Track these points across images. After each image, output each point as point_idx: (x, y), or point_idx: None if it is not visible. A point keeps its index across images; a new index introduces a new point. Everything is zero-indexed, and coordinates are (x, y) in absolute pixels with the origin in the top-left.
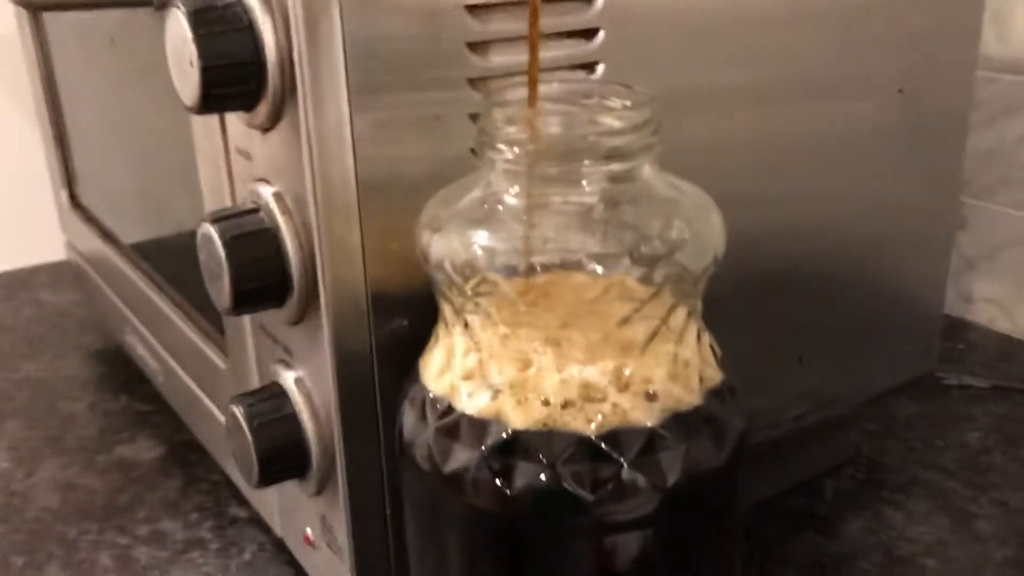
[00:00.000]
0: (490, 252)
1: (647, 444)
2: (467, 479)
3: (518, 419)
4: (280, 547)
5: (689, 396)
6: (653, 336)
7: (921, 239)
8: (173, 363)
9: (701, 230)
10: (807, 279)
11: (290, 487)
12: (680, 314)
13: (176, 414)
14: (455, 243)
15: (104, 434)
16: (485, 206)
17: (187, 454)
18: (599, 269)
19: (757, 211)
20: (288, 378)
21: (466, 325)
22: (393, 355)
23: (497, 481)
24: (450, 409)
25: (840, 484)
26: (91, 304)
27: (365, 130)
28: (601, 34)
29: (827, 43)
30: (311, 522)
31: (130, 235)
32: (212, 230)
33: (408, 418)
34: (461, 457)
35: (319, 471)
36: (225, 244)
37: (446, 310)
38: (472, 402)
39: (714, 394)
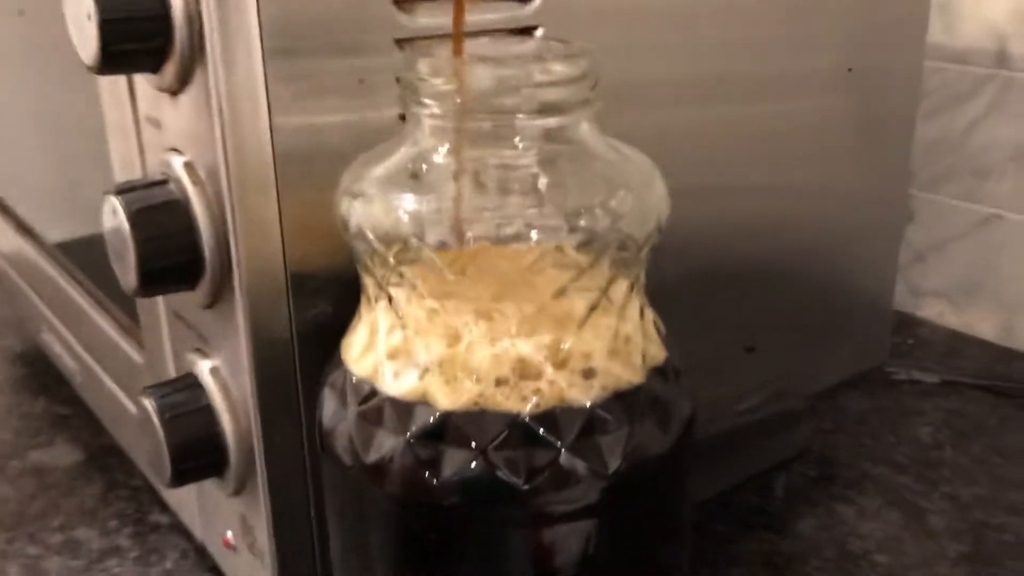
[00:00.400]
0: (416, 217)
1: (586, 426)
2: (391, 469)
3: (447, 400)
4: (203, 554)
5: (631, 374)
6: (592, 309)
7: (870, 231)
8: (90, 360)
9: (644, 194)
10: (755, 269)
11: (210, 488)
12: (621, 286)
13: (96, 417)
14: (377, 209)
15: (19, 438)
16: (411, 167)
17: (107, 458)
18: (534, 236)
19: (704, 203)
20: (204, 368)
21: (390, 300)
22: (316, 342)
23: (423, 470)
24: (373, 392)
25: (791, 481)
26: (9, 304)
27: (281, 95)
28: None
29: (774, 25)
30: (231, 524)
31: (45, 225)
32: (116, 202)
33: (328, 406)
34: (384, 445)
35: (237, 468)
36: (130, 217)
37: (368, 284)
38: (397, 383)
39: (658, 373)
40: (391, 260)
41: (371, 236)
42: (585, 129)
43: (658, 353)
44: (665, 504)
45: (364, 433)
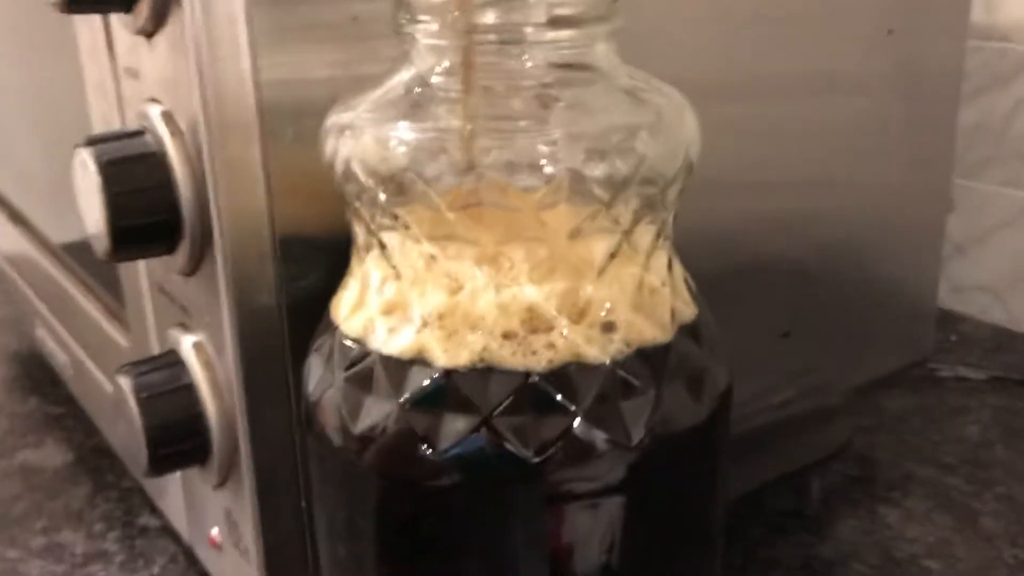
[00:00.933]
0: (412, 148)
1: (605, 389)
2: (382, 441)
3: (446, 357)
4: (193, 559)
5: (657, 332)
6: (613, 255)
7: (912, 222)
8: (79, 350)
9: (672, 126)
10: (792, 265)
11: (196, 481)
12: (647, 232)
13: (88, 416)
14: (368, 141)
15: (7, 438)
16: (405, 94)
17: (98, 460)
18: (547, 167)
19: (742, 198)
20: (186, 344)
21: (382, 247)
22: (308, 314)
23: (418, 440)
24: (363, 354)
25: (829, 481)
26: (8, 303)
27: (266, 34)
28: None
29: (814, 22)
30: (217, 520)
31: (35, 209)
32: (86, 154)
33: (314, 373)
34: (374, 412)
35: (221, 455)
36: (101, 169)
37: (359, 232)
38: (390, 341)
39: (689, 333)
40: (382, 199)
41: (360, 172)
42: (602, 51)
43: (689, 312)
44: (696, 489)
45: (353, 400)
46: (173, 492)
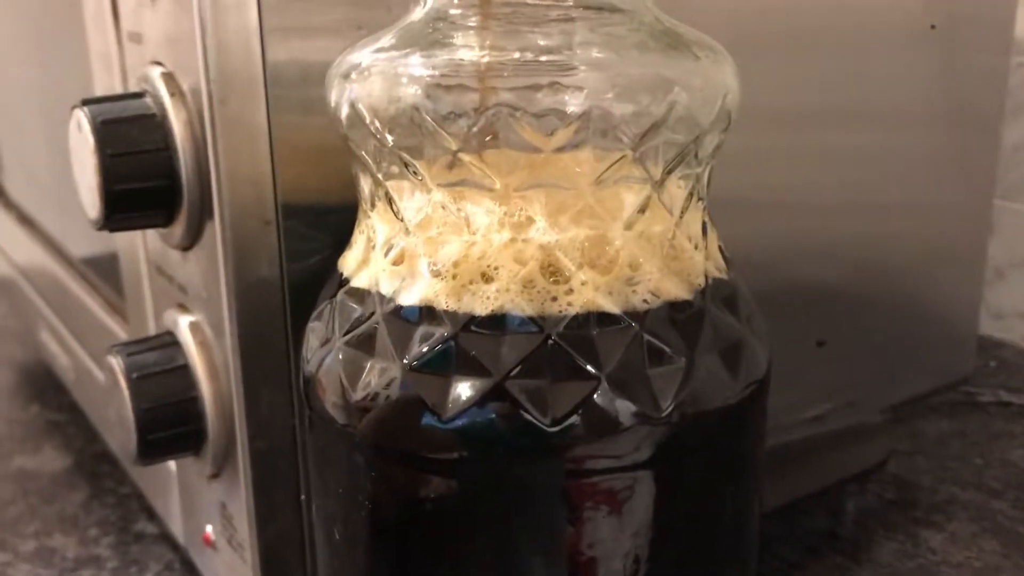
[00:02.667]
0: (424, 84)
1: (631, 352)
2: (383, 407)
3: (457, 311)
4: (190, 567)
5: (689, 294)
6: (643, 210)
7: (952, 245)
8: (80, 350)
9: (708, 71)
10: (831, 289)
11: (190, 474)
12: (679, 189)
13: (89, 422)
14: (376, 83)
15: (4, 443)
16: (419, 32)
17: (97, 465)
18: (572, 104)
19: (784, 221)
20: (183, 324)
21: (389, 200)
22: (313, 290)
23: (423, 406)
24: (367, 315)
25: (865, 502)
26: (16, 314)
27: None
28: None
29: (869, 58)
30: (211, 516)
31: (41, 210)
32: (82, 114)
33: (313, 341)
34: (376, 376)
35: (216, 442)
36: (95, 130)
37: (364, 185)
38: (397, 297)
39: (725, 303)
40: (389, 141)
41: (366, 115)
42: None
43: (724, 279)
44: (730, 478)
45: (353, 365)
46: (169, 490)
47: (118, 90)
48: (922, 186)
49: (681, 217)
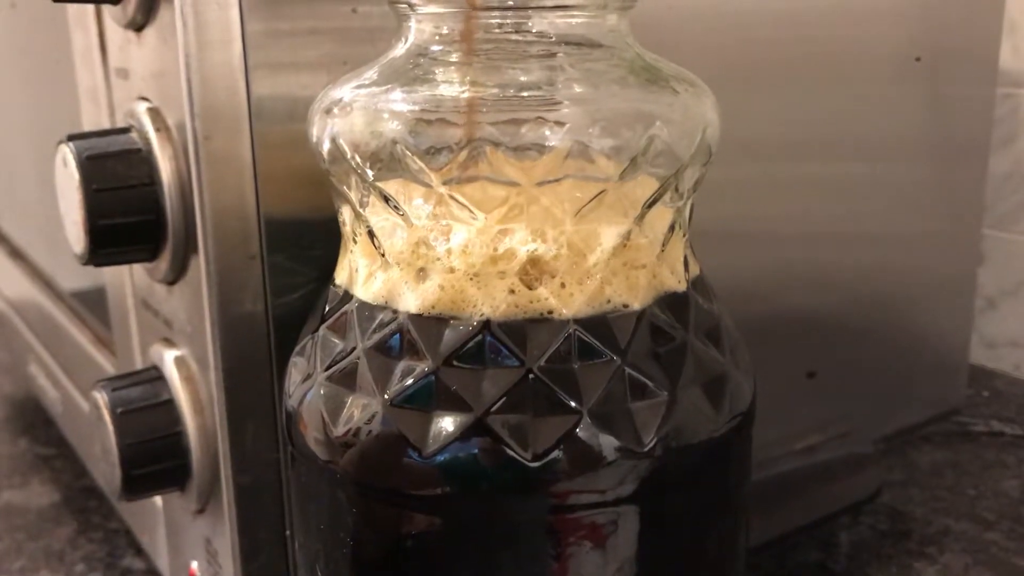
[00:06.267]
0: (405, 119)
1: (613, 387)
2: (364, 443)
3: (440, 340)
4: None
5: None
6: (624, 242)
7: (942, 275)
8: (68, 383)
9: (689, 104)
10: (820, 319)
11: (176, 509)
12: (661, 220)
13: (78, 457)
14: (357, 118)
15: None
16: (400, 68)
17: (85, 500)
18: (552, 138)
19: (773, 252)
20: (168, 359)
21: (371, 234)
22: (296, 324)
23: (404, 442)
24: (348, 350)
25: (858, 534)
26: (7, 348)
27: (259, 25)
28: None
29: (854, 89)
30: (197, 552)
31: (30, 242)
32: (67, 149)
33: (295, 376)
34: (357, 412)
35: (201, 477)
36: (81, 165)
37: (346, 220)
38: (379, 330)
39: (709, 337)
40: (370, 176)
41: (347, 150)
42: (614, 25)
43: (708, 311)
44: (714, 513)
45: (335, 400)
46: (155, 525)
47: (106, 125)
48: (911, 216)
49: (663, 250)
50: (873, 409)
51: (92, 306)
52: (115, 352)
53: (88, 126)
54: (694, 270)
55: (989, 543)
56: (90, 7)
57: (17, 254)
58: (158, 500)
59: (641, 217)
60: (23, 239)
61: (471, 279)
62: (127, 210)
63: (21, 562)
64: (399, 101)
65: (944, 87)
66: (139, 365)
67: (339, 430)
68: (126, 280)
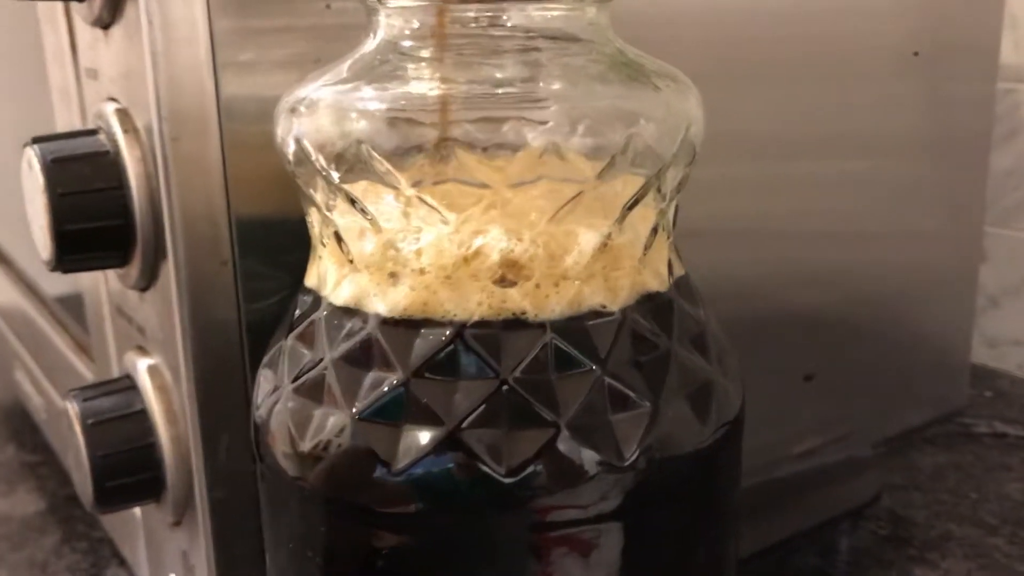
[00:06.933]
0: (372, 118)
1: (593, 398)
2: (332, 458)
3: (410, 349)
4: None
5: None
6: (604, 246)
7: (943, 273)
8: (51, 389)
9: (670, 101)
10: (818, 318)
11: (153, 520)
12: (643, 219)
13: (63, 465)
14: (324, 117)
15: None
16: (369, 64)
17: (70, 509)
18: (527, 142)
19: (769, 249)
20: (141, 367)
21: (339, 239)
22: (271, 331)
23: (373, 457)
24: (315, 361)
25: (858, 539)
26: None
27: (228, 21)
28: None
29: (852, 89)
30: (174, 565)
31: (15, 245)
32: (32, 152)
33: (263, 388)
34: (325, 425)
35: (176, 489)
36: (45, 168)
37: (314, 223)
38: (347, 339)
39: (694, 343)
40: (335, 178)
41: (311, 150)
42: (593, 19)
43: (694, 317)
44: (701, 529)
45: (302, 413)
46: (136, 536)
47: (78, 126)
48: (911, 214)
49: (645, 253)
50: (872, 411)
51: (75, 311)
52: (94, 359)
53: (61, 128)
54: (679, 273)
55: (992, 548)
56: (59, 5)
57: (1, 258)
58: (138, 511)
59: (622, 219)
60: (6, 243)
61: (443, 282)
62: (94, 215)
63: (3, 573)
64: (367, 99)
65: (943, 82)
66: (116, 373)
67: (306, 445)
68: (101, 286)
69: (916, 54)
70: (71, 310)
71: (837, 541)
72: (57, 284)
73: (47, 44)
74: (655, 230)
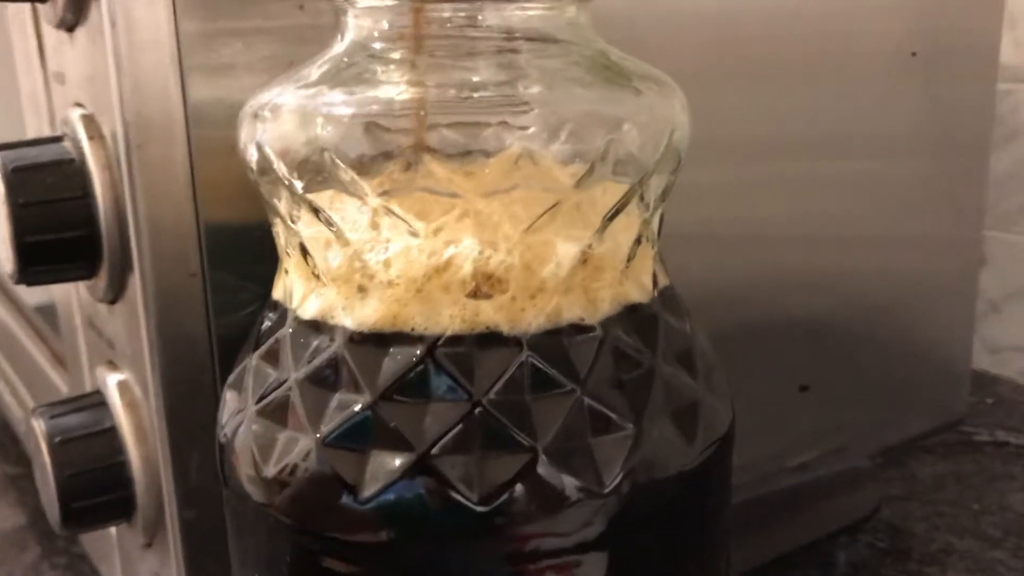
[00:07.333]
0: (336, 123)
1: (571, 420)
2: (297, 484)
3: (378, 370)
4: None
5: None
6: (584, 258)
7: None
8: (30, 400)
9: (653, 105)
10: (814, 324)
11: (127, 541)
12: (626, 230)
13: None
14: (287, 123)
15: None
16: (336, 67)
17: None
18: (502, 148)
19: (762, 254)
20: (111, 382)
21: (304, 252)
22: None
23: (340, 484)
24: (279, 381)
25: (856, 553)
26: None
27: (194, 22)
28: None
29: (847, 88)
30: None
31: None
32: None
33: (228, 408)
34: (289, 449)
35: (146, 510)
36: (6, 177)
37: (280, 235)
38: (312, 358)
39: (680, 359)
40: (298, 188)
41: (273, 158)
42: (572, 18)
43: (679, 332)
44: (689, 556)
45: (266, 436)
46: (111, 555)
47: (46, 133)
48: (909, 217)
49: (627, 265)
50: (871, 421)
51: (53, 322)
52: (68, 370)
53: (32, 135)
54: (663, 284)
55: (995, 562)
56: (26, 6)
57: None
58: (113, 530)
59: (602, 229)
60: None
61: (413, 295)
62: (58, 225)
63: None
64: (333, 104)
65: (942, 83)
66: (89, 387)
67: (271, 470)
68: (73, 298)
69: (914, 54)
70: (49, 320)
71: (834, 555)
72: (35, 293)
73: (16, 48)
74: (638, 240)
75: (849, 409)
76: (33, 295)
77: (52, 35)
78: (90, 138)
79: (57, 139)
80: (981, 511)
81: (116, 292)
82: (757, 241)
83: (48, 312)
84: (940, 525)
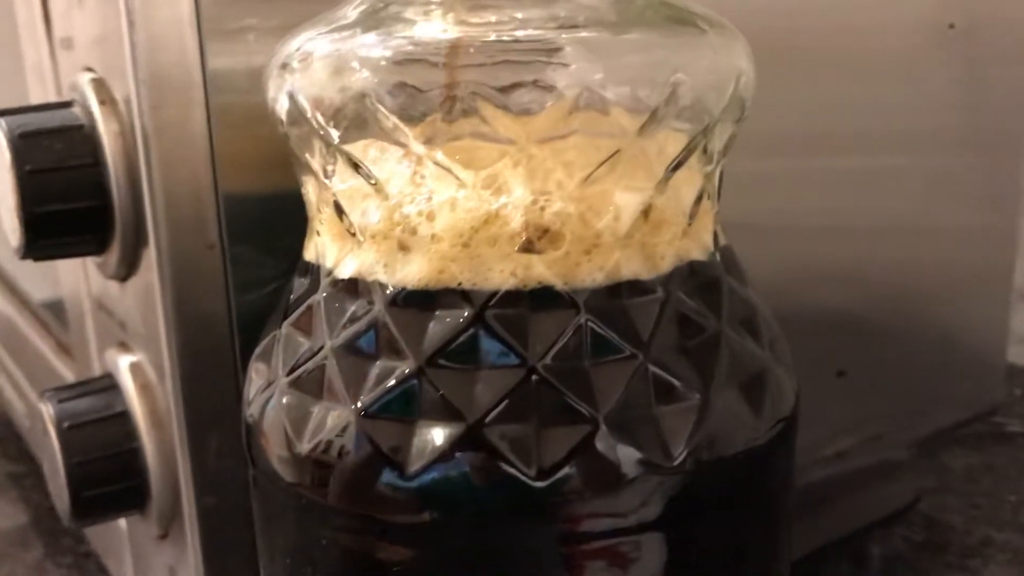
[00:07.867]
0: (375, 67)
1: (634, 388)
2: (334, 461)
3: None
4: None
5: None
6: (644, 213)
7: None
8: (33, 395)
9: (719, 49)
10: (849, 315)
11: (139, 532)
12: (688, 183)
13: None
14: (318, 68)
15: None
16: (369, 8)
17: (54, 522)
18: (555, 87)
19: (802, 241)
20: (123, 365)
21: (339, 210)
22: (263, 322)
23: (382, 459)
24: (313, 350)
25: (891, 547)
26: None
27: None
28: None
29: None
30: None
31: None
32: None
33: (256, 383)
34: (325, 423)
35: (161, 499)
36: (13, 143)
37: (311, 194)
38: (350, 325)
39: (745, 325)
40: (335, 138)
41: (307, 107)
42: None
43: (743, 296)
44: (754, 536)
45: (299, 410)
46: (122, 550)
47: (52, 97)
48: (944, 207)
49: (690, 224)
50: (906, 411)
51: (59, 314)
52: (74, 358)
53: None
54: (724, 246)
55: None
56: None
57: None
58: (123, 523)
59: (665, 181)
60: None
61: (459, 250)
62: (68, 195)
63: None
64: (368, 46)
65: (981, 58)
66: (98, 372)
67: (304, 446)
68: (81, 279)
69: (951, 26)
70: (56, 313)
71: (868, 548)
72: (42, 288)
73: (20, 18)
74: (699, 198)
75: (885, 397)
76: (39, 290)
77: (60, 1)
78: (101, 103)
79: (66, 104)
80: (1019, 503)
81: (129, 268)
82: (792, 232)
83: (55, 308)
84: (977, 517)
